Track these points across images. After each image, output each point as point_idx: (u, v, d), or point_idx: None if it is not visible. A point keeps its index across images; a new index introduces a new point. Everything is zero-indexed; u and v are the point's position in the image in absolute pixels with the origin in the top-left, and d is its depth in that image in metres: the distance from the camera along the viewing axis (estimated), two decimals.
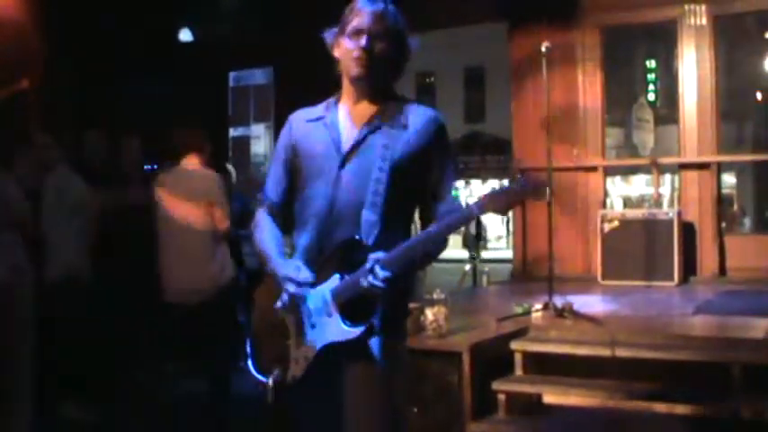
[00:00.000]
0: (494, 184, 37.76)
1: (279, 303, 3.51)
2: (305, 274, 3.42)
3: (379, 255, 3.27)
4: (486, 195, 3.25)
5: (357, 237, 3.39)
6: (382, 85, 3.60)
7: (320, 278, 3.43)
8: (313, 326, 3.45)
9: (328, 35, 3.61)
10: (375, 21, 3.47)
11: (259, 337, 3.68)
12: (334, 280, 3.39)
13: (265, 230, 3.69)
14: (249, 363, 3.69)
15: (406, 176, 3.47)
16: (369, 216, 3.41)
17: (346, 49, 3.51)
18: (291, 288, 3.43)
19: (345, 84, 3.61)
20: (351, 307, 3.37)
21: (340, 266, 3.40)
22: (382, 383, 3.44)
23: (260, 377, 3.62)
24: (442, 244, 3.44)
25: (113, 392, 8.47)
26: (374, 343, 3.41)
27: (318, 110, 3.67)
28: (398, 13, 3.56)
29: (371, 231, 3.40)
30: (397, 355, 3.54)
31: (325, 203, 3.47)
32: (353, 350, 3.38)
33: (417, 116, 3.58)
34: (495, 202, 3.22)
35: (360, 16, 3.48)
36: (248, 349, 3.71)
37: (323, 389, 3.47)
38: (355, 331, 3.34)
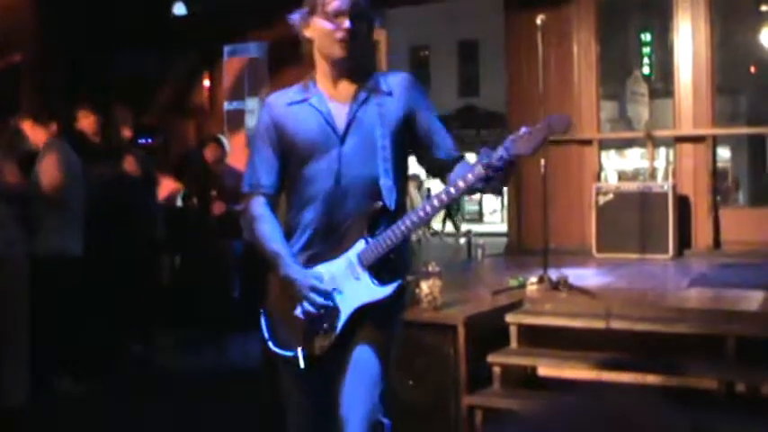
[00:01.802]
0: None
1: (300, 312, 3.57)
2: (329, 285, 3.55)
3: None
4: (514, 136, 3.37)
5: (382, 204, 3.52)
6: (358, 62, 3.66)
7: (343, 246, 3.57)
8: (340, 292, 3.56)
9: (296, 15, 3.65)
10: (354, 2, 3.54)
11: (276, 315, 3.72)
12: (360, 245, 3.53)
13: (268, 225, 3.71)
14: (268, 342, 3.73)
15: (403, 137, 3.63)
16: (386, 182, 3.54)
17: (326, 31, 3.56)
18: (321, 300, 3.53)
19: (322, 64, 3.67)
20: (375, 269, 3.53)
21: (366, 232, 3.53)
22: (388, 345, 3.64)
23: (282, 351, 3.67)
24: None
25: (109, 365, 8.49)
26: (394, 306, 3.63)
27: (297, 92, 3.72)
28: None
29: (391, 196, 3.55)
30: (401, 322, 3.79)
31: (330, 180, 3.56)
32: (378, 311, 3.55)
33: (395, 80, 3.71)
34: (525, 142, 3.35)
35: None
36: (265, 326, 3.76)
37: (337, 358, 3.59)
38: (386, 290, 3.52)
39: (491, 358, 6.45)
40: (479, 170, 3.35)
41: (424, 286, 6.44)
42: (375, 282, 3.51)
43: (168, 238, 10.13)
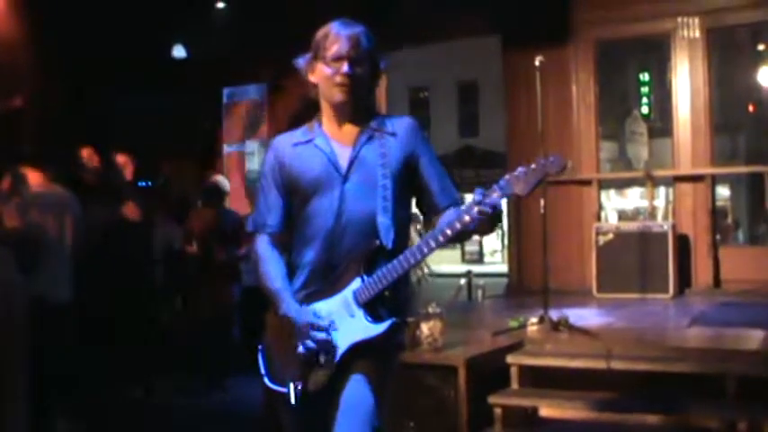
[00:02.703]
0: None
1: (301, 349, 3.56)
2: (326, 322, 3.55)
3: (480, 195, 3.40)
4: (510, 176, 3.38)
5: (379, 242, 3.54)
6: (362, 104, 3.71)
7: (340, 284, 3.59)
8: (335, 329, 3.56)
9: (301, 61, 3.72)
10: (353, 45, 3.59)
11: (273, 351, 3.75)
12: (356, 283, 3.54)
13: (271, 265, 3.75)
14: (264, 378, 3.76)
15: (404, 178, 3.66)
16: (384, 221, 3.57)
17: (327, 76, 3.63)
18: (321, 336, 3.53)
19: (326, 107, 3.74)
20: (371, 307, 3.54)
21: (362, 271, 3.54)
22: (383, 383, 3.60)
23: (278, 387, 3.69)
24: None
25: (109, 409, 8.46)
26: (390, 345, 3.63)
27: (302, 134, 3.78)
28: (369, 32, 3.68)
29: (389, 234, 3.57)
30: (397, 362, 3.77)
31: (331, 218, 3.60)
32: (373, 349, 3.54)
33: (399, 123, 3.75)
34: (521, 182, 3.36)
35: (338, 42, 3.60)
36: (261, 364, 3.79)
37: (330, 394, 3.58)
38: (380, 327, 3.52)
39: (492, 399, 6.44)
40: (475, 210, 3.36)
41: (425, 328, 6.44)
42: (369, 319, 3.52)
43: (168, 282, 10.12)
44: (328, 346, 3.54)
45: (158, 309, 10.02)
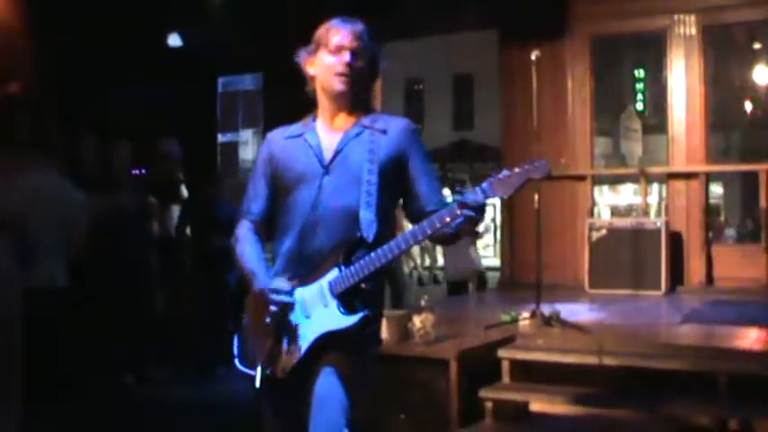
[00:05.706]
0: None
1: (268, 319, 3.61)
2: (287, 284, 3.59)
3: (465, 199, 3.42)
4: (493, 178, 3.41)
5: (360, 235, 3.56)
6: (359, 98, 3.77)
7: (318, 273, 3.60)
8: (308, 317, 3.58)
9: (303, 53, 3.79)
10: (355, 39, 3.68)
11: (248, 333, 3.80)
12: (333, 273, 3.56)
13: (247, 246, 3.85)
14: (236, 359, 3.83)
15: (391, 176, 3.68)
16: (366, 215, 3.58)
17: (328, 65, 3.70)
18: (280, 298, 3.57)
19: (322, 99, 3.80)
20: (346, 299, 3.55)
21: (340, 262, 3.56)
22: (356, 374, 3.59)
23: (248, 370, 3.74)
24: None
25: (101, 397, 8.45)
26: (362, 338, 3.60)
27: (296, 128, 3.86)
28: (369, 31, 3.75)
29: (370, 229, 3.58)
30: (372, 356, 3.77)
31: (308, 208, 3.65)
32: (344, 341, 3.54)
33: (393, 122, 3.78)
34: (503, 185, 3.39)
35: (340, 34, 3.69)
36: (235, 345, 3.85)
37: (303, 384, 3.59)
38: (352, 319, 3.52)
39: (483, 393, 6.44)
40: (456, 211, 3.39)
41: (417, 320, 6.44)
42: (342, 310, 3.53)
43: (162, 269, 10.10)
44: (288, 309, 3.58)
45: (152, 296, 9.99)
